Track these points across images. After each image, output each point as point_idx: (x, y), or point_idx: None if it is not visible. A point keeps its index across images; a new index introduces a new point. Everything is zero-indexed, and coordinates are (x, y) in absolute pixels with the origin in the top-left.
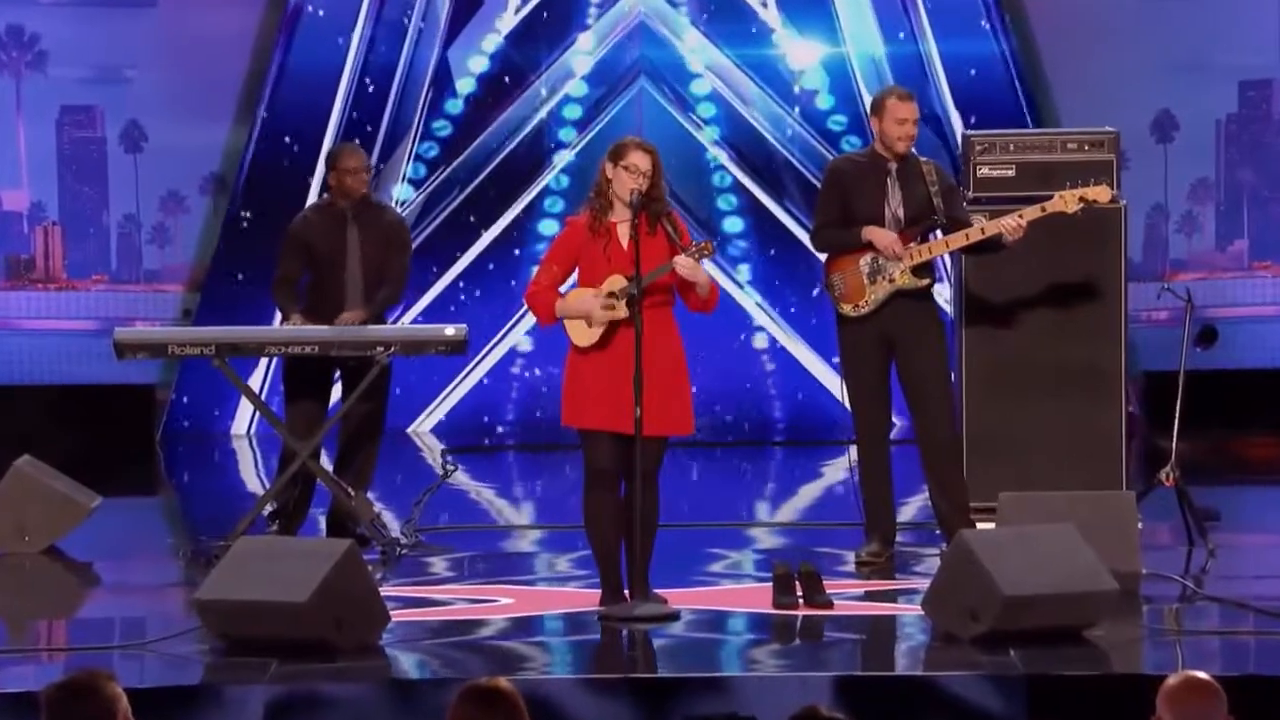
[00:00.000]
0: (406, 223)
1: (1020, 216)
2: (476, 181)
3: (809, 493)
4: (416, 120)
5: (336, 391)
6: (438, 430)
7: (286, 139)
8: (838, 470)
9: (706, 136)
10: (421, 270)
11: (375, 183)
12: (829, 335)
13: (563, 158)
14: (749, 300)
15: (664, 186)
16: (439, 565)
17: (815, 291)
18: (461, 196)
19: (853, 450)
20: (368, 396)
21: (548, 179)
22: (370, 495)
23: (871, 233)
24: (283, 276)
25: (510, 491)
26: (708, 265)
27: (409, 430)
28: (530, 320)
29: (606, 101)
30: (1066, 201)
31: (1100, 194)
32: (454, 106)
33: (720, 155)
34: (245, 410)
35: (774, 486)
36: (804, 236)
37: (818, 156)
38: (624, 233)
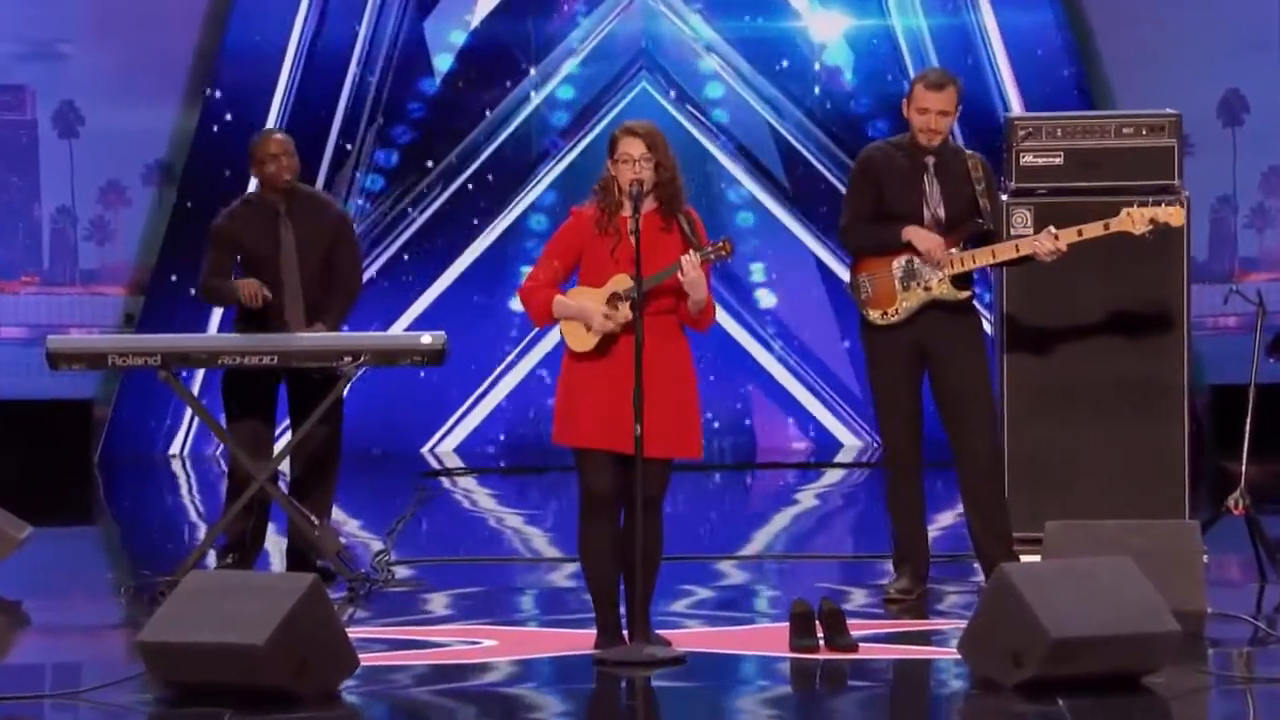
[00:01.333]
0: (349, 215)
1: (1080, 233)
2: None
3: (831, 520)
4: (370, 103)
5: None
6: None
7: (241, 122)
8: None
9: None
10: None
11: (335, 173)
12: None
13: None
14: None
15: (673, 167)
16: (415, 603)
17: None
18: (455, 184)
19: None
20: (326, 415)
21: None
22: (348, 524)
23: (913, 233)
24: (210, 279)
25: (497, 518)
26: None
27: (423, 450)
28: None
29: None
30: (1134, 221)
31: (1174, 217)
32: (430, 85)
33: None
34: (185, 428)
35: (790, 512)
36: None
37: (837, 146)
38: (630, 229)
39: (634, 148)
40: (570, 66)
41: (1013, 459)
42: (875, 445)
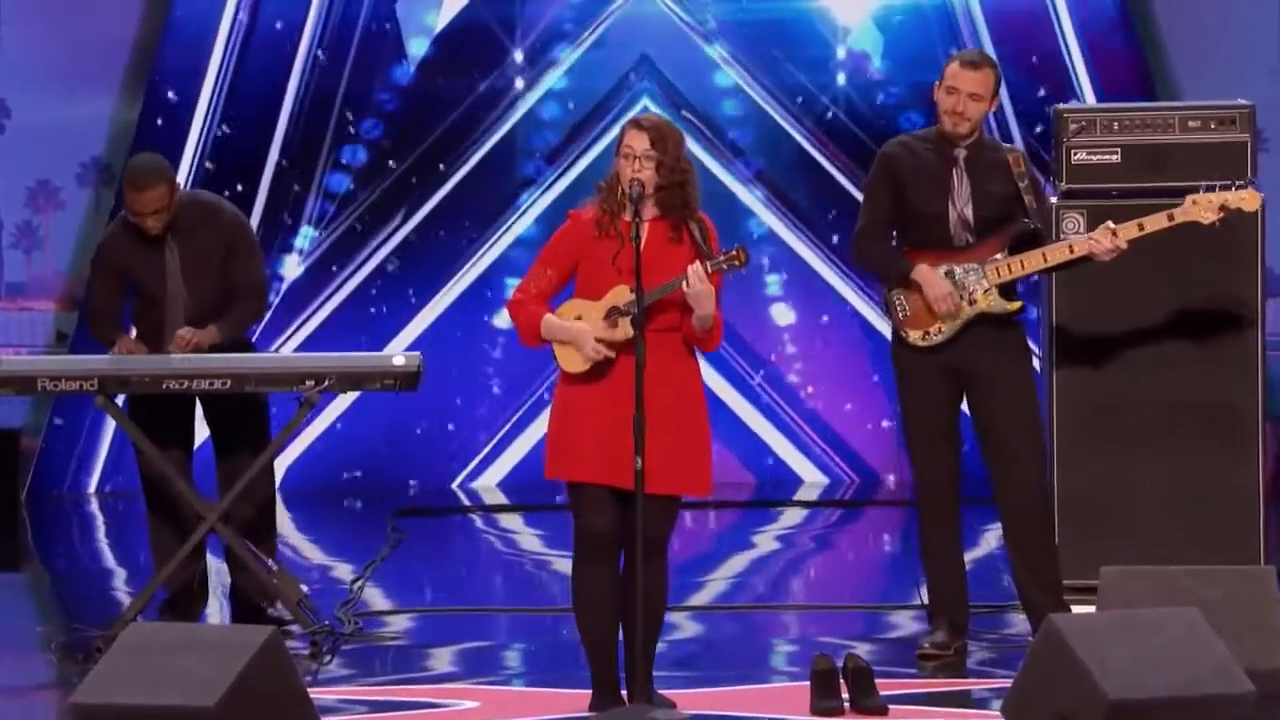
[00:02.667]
0: (242, 218)
1: (1140, 226)
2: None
3: (857, 565)
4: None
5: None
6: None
7: (190, 113)
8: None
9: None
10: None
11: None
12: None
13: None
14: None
15: (684, 171)
16: (386, 658)
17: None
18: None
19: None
20: (257, 442)
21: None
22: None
23: (922, 275)
24: (97, 309)
25: (476, 562)
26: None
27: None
28: None
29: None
30: (1202, 209)
31: (1248, 201)
32: (402, 75)
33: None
34: (105, 461)
35: (811, 556)
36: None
37: (862, 140)
38: (643, 236)
39: (637, 142)
40: (565, 55)
41: (1063, 494)
42: (851, 481)
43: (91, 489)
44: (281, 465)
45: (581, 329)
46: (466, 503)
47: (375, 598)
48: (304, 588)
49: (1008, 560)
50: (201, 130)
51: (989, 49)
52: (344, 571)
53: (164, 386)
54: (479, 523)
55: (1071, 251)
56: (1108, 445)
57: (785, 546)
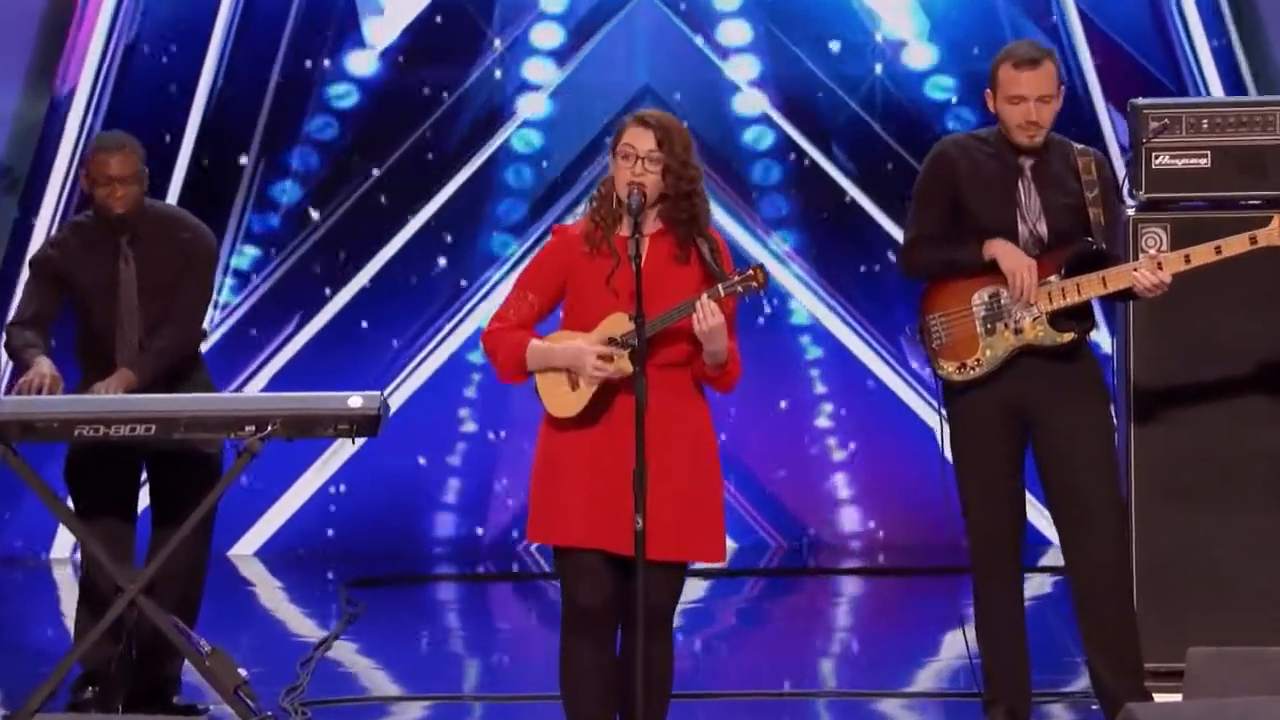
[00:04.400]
0: (211, 238)
1: (1217, 250)
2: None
3: (896, 643)
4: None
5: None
6: None
7: (103, 113)
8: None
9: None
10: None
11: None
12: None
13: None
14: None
15: (694, 178)
16: None
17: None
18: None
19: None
20: (196, 500)
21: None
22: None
23: (997, 247)
24: (21, 319)
25: (446, 641)
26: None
27: None
28: None
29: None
30: None
31: None
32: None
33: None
34: (33, 519)
35: (843, 633)
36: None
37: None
38: (643, 254)
39: (640, 140)
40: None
41: (1143, 563)
42: (778, 546)
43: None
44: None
45: (579, 348)
46: (436, 569)
47: (327, 682)
48: (243, 672)
49: (1079, 638)
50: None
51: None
52: (293, 650)
53: (75, 434)
54: (449, 593)
55: (1104, 285)
56: (1194, 506)
57: (806, 619)
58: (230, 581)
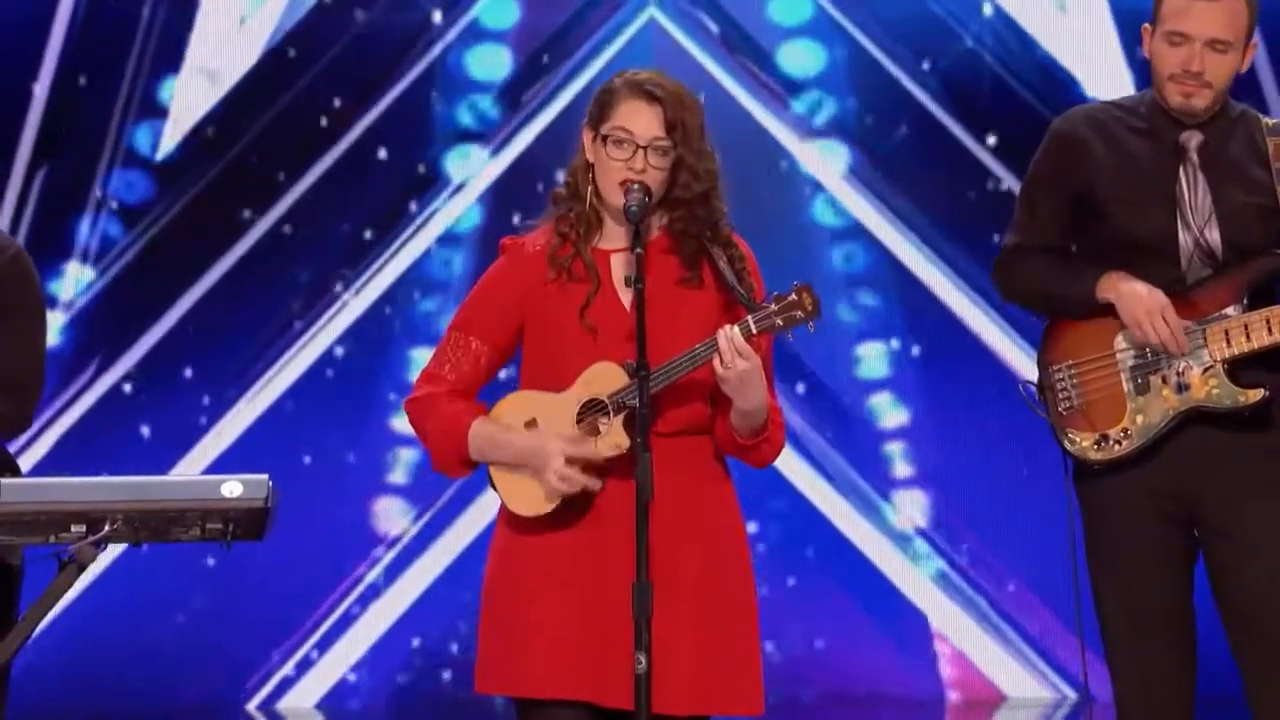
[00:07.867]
0: (25, 257)
1: None
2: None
3: None
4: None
5: None
6: None
7: None
8: None
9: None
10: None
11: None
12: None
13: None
14: None
15: (711, 172)
16: None
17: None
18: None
19: None
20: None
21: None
22: None
23: (1114, 285)
24: None
25: None
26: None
27: None
28: None
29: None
30: None
31: None
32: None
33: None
34: None
35: None
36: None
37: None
38: (620, 273)
39: (641, 122)
40: None
41: None
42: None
43: None
44: None
45: (540, 445)
46: None
47: None
48: None
49: None
50: None
51: None
52: None
53: None
54: None
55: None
56: None
57: None
58: None
